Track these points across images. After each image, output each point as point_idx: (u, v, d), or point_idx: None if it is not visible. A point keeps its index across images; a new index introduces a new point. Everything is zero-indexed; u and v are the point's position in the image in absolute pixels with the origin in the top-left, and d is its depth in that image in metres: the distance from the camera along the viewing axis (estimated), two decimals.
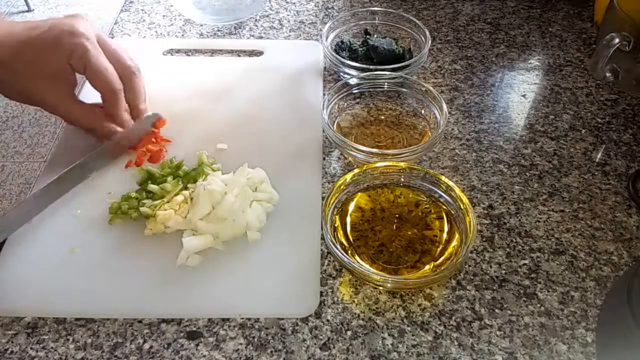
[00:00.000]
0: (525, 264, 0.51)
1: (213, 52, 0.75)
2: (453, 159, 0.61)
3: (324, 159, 0.61)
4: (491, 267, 0.51)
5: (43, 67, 0.53)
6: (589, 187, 0.58)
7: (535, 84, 0.71)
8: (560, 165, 0.61)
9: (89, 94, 0.59)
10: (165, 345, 0.45)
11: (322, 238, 0.52)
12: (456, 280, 0.50)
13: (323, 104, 0.59)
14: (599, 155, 0.62)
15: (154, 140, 0.60)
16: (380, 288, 0.49)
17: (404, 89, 0.64)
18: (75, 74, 0.55)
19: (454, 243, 0.50)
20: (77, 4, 2.49)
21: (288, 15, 0.83)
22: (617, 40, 0.63)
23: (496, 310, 0.48)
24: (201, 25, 0.79)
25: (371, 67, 0.66)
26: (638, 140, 0.63)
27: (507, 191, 0.58)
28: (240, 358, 0.45)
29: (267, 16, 0.82)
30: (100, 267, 0.50)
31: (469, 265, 0.51)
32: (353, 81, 0.63)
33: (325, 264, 0.51)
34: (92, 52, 0.54)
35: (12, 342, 0.46)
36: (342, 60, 0.67)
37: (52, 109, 0.56)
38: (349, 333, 0.46)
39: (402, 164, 0.54)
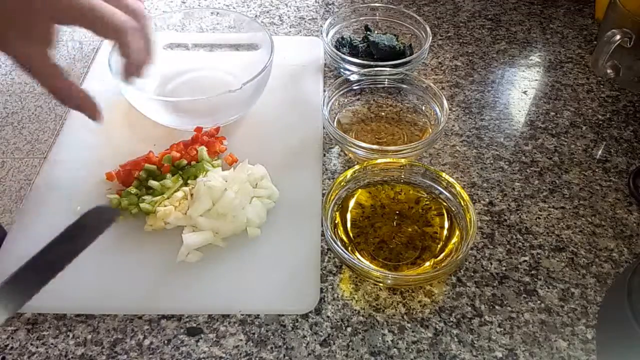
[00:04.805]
0: (525, 261, 0.51)
1: (212, 46, 0.74)
2: (453, 155, 0.61)
3: (324, 155, 0.61)
4: (491, 263, 0.51)
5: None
6: (589, 184, 0.58)
7: (536, 80, 0.71)
8: (561, 162, 0.60)
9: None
10: (166, 342, 0.45)
11: (323, 234, 0.52)
12: (456, 277, 0.50)
13: (323, 100, 0.59)
14: (599, 152, 0.62)
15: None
16: (381, 285, 0.49)
17: (405, 86, 0.64)
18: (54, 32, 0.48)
19: (454, 240, 0.50)
20: None
21: (288, 11, 0.82)
22: (618, 37, 0.63)
23: (496, 307, 0.48)
24: (201, 19, 0.79)
25: (372, 63, 0.65)
26: (639, 137, 0.63)
27: (507, 188, 0.58)
28: (240, 354, 0.45)
29: (268, 12, 0.82)
30: (100, 263, 0.50)
31: (469, 262, 0.51)
32: (353, 77, 0.63)
33: (326, 260, 0.51)
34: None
35: (12, 338, 0.46)
36: (343, 56, 0.67)
37: (23, 67, 0.48)
38: (349, 329, 0.46)
39: (402, 160, 0.54)
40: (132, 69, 0.50)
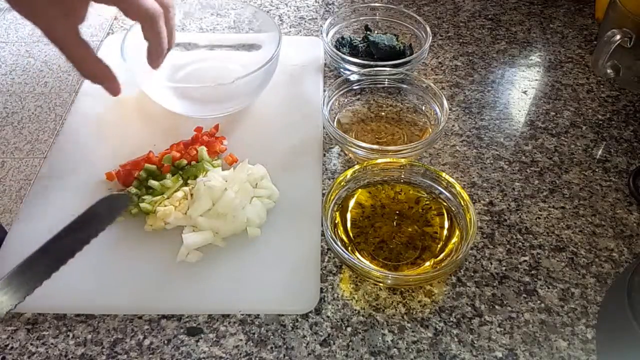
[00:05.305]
0: (525, 261, 0.51)
1: (213, 46, 0.74)
2: (453, 155, 0.61)
3: (324, 155, 0.61)
4: (491, 263, 0.51)
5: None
6: (589, 184, 0.58)
7: (536, 80, 0.71)
8: (561, 161, 0.60)
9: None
10: (166, 341, 0.45)
11: (323, 234, 0.52)
12: (456, 277, 0.50)
13: (323, 100, 0.59)
14: (599, 152, 0.62)
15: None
16: (381, 284, 0.49)
17: (405, 85, 0.64)
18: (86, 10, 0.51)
19: (454, 240, 0.50)
20: None
21: (288, 11, 0.82)
22: (618, 37, 0.63)
23: (496, 307, 0.48)
24: (201, 19, 0.79)
25: (372, 63, 0.65)
26: (639, 137, 0.63)
27: (507, 188, 0.58)
28: (240, 354, 0.45)
29: (268, 12, 0.82)
30: (100, 263, 0.50)
31: (469, 262, 0.51)
32: (353, 77, 0.63)
33: (326, 260, 0.51)
34: None
35: (12, 337, 0.46)
36: (343, 56, 0.67)
37: (55, 41, 0.50)
38: (349, 329, 0.46)
39: (402, 160, 0.54)
40: (153, 53, 0.54)
